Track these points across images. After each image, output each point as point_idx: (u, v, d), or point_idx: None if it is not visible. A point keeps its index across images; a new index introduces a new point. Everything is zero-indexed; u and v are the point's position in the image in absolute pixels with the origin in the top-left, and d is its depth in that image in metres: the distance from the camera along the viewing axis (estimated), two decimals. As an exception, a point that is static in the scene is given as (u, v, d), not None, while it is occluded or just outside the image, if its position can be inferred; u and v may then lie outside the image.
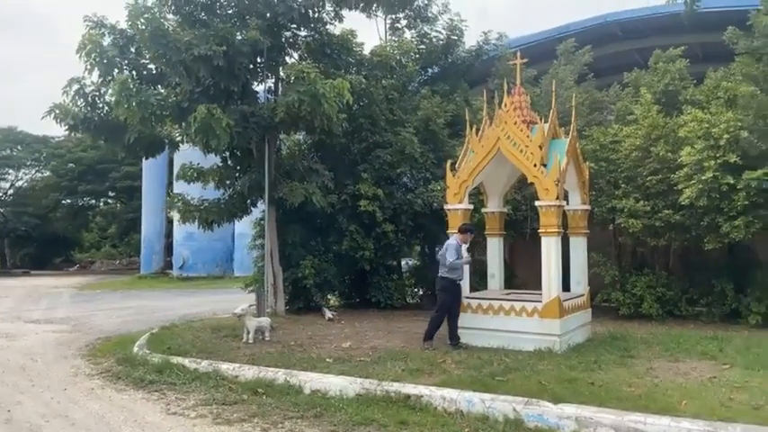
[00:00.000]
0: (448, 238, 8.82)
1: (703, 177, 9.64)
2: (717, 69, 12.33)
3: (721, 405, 5.48)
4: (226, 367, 7.77)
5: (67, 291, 24.16)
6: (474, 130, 9.07)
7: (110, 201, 45.40)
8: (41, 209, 39.51)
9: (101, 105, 11.19)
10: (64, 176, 39.43)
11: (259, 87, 11.96)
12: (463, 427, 5.46)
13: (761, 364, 7.00)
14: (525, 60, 9.62)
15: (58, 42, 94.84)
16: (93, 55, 10.05)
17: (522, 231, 11.93)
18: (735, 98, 10.59)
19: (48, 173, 41.63)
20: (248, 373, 7.47)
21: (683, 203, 10.05)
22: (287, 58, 12.16)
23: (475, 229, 9.15)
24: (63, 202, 41.75)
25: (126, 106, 9.66)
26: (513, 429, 5.40)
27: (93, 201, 44.41)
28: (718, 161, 9.59)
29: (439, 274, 8.64)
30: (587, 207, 9.57)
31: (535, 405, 5.61)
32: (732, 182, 9.50)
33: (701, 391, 5.97)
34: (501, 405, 5.71)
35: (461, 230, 8.70)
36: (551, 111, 8.81)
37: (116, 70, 10.50)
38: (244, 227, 19.77)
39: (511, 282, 11.26)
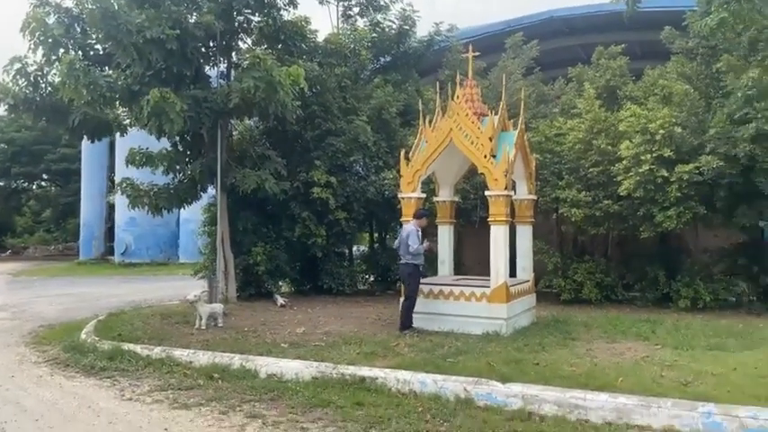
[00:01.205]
0: (401, 226, 9.02)
1: (640, 170, 10.19)
2: (654, 67, 13.00)
3: (653, 382, 5.92)
4: (179, 353, 7.76)
5: (2, 277, 23.16)
6: (427, 120, 9.29)
7: (44, 184, 43.46)
8: (-30, 191, 37.51)
9: (43, 85, 10.79)
10: (-5, 157, 37.49)
11: (211, 72, 11.79)
12: (417, 407, 5.69)
13: (689, 344, 7.56)
14: (477, 54, 9.88)
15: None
16: (37, 33, 9.69)
17: (470, 219, 12.29)
18: (670, 95, 11.21)
19: (-24, 153, 39.44)
20: (203, 358, 7.49)
21: (621, 194, 10.60)
22: (240, 43, 12.06)
23: (430, 214, 9.37)
24: (-7, 184, 39.74)
25: (73, 87, 9.38)
26: (463, 408, 5.66)
27: (27, 183, 42.42)
28: (654, 155, 10.16)
29: (402, 261, 8.78)
30: (533, 197, 9.99)
31: (484, 384, 5.91)
32: (666, 175, 10.09)
33: (635, 370, 6.41)
34: (452, 385, 5.99)
35: (417, 216, 8.93)
36: (501, 104, 9.12)
37: (61, 50, 10.15)
38: (190, 212, 19.43)
39: (458, 268, 11.60)
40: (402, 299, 8.81)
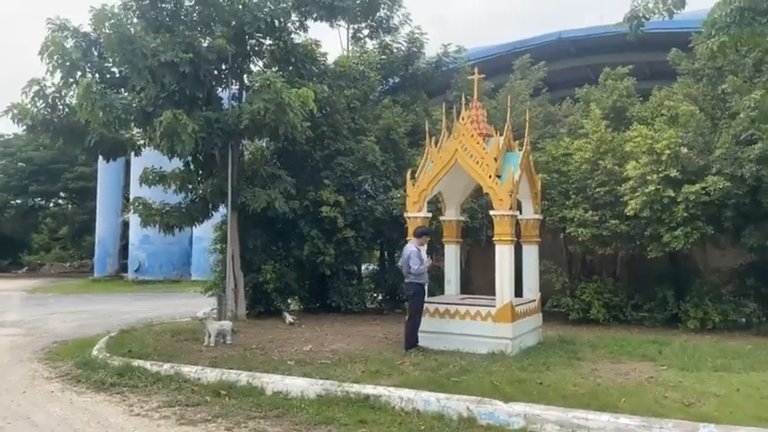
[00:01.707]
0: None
1: (647, 190, 10.24)
2: (662, 88, 13.10)
3: (656, 402, 5.93)
4: (188, 370, 7.88)
5: (18, 294, 23.50)
6: (433, 141, 9.43)
7: (61, 202, 44.17)
8: (-12, 209, 38.18)
9: (61, 107, 11.10)
10: (13, 176, 38.16)
11: (223, 93, 12.06)
12: (420, 425, 5.75)
13: (695, 366, 7.55)
14: (483, 76, 10.04)
15: (1, 40, 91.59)
16: (55, 57, 10.00)
17: (478, 239, 12.37)
18: (676, 116, 11.28)
19: (-5, 172, 40.23)
20: (210, 375, 7.60)
21: (628, 214, 10.64)
22: (252, 66, 12.34)
23: (430, 231, 9.46)
24: (12, 202, 40.37)
25: (89, 109, 9.65)
26: (466, 427, 5.71)
27: (44, 201, 43.12)
28: (660, 175, 10.21)
29: (406, 281, 8.89)
30: (539, 216, 10.05)
31: (487, 404, 5.96)
32: (672, 195, 10.13)
33: (639, 390, 6.43)
34: (455, 404, 6.04)
35: (417, 234, 9.02)
36: (506, 125, 9.25)
37: (79, 73, 10.46)
38: (202, 230, 19.66)
39: (467, 287, 11.66)
40: (407, 318, 8.88)
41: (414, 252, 8.77)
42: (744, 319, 10.87)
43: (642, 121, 12.04)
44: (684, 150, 10.36)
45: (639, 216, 10.52)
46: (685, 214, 10.09)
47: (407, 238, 9.39)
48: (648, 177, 10.28)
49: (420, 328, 8.81)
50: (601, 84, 13.93)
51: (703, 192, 10.03)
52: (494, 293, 8.71)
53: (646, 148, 10.54)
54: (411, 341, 8.68)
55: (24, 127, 11.30)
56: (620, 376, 7.12)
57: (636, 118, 12.40)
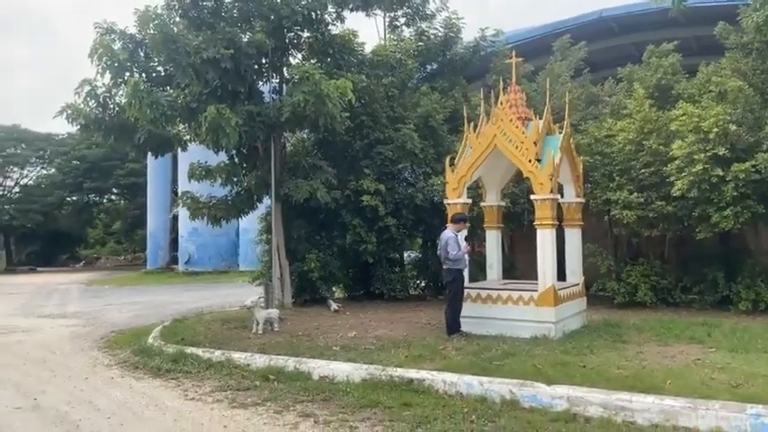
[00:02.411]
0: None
1: (694, 170, 9.97)
2: (709, 63, 12.66)
3: (703, 384, 5.85)
4: (238, 356, 8.18)
5: (76, 287, 24.64)
6: (471, 126, 9.43)
7: (114, 198, 45.85)
8: (46, 206, 39.97)
9: (112, 106, 11.56)
10: (68, 174, 39.88)
11: (264, 87, 12.32)
12: (462, 408, 5.84)
13: (744, 347, 7.38)
14: (522, 59, 9.95)
15: (50, 41, 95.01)
16: (104, 59, 10.42)
17: (520, 223, 12.30)
18: (725, 92, 10.91)
19: (52, 170, 42.08)
20: (259, 361, 7.87)
21: (674, 195, 10.38)
22: (291, 59, 12.53)
23: (467, 217, 9.48)
24: (68, 199, 42.20)
25: (138, 107, 10.04)
26: (508, 409, 5.77)
27: (98, 198, 44.89)
28: (708, 154, 9.92)
29: (444, 267, 8.96)
30: (581, 200, 9.94)
31: (530, 386, 6.00)
32: (721, 174, 9.83)
33: (685, 372, 6.34)
34: (498, 387, 6.10)
35: (454, 220, 9.05)
36: (545, 108, 9.16)
37: (127, 73, 10.87)
38: (248, 222, 20.18)
39: (511, 272, 11.66)
40: (446, 304, 8.96)
41: (451, 238, 8.82)
42: (798, 301, 10.49)
43: (689, 98, 11.67)
44: (733, 127, 10.03)
45: (687, 196, 10.25)
46: (735, 193, 9.79)
47: (447, 224, 9.44)
48: (696, 156, 10.00)
49: (462, 314, 8.88)
50: (645, 62, 13.55)
51: (753, 170, 9.71)
52: (537, 278, 8.69)
53: (692, 126, 10.25)
54: (453, 327, 8.76)
55: (78, 126, 11.80)
56: (666, 359, 7.04)
57: (682, 96, 12.04)
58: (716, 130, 9.93)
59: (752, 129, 10.31)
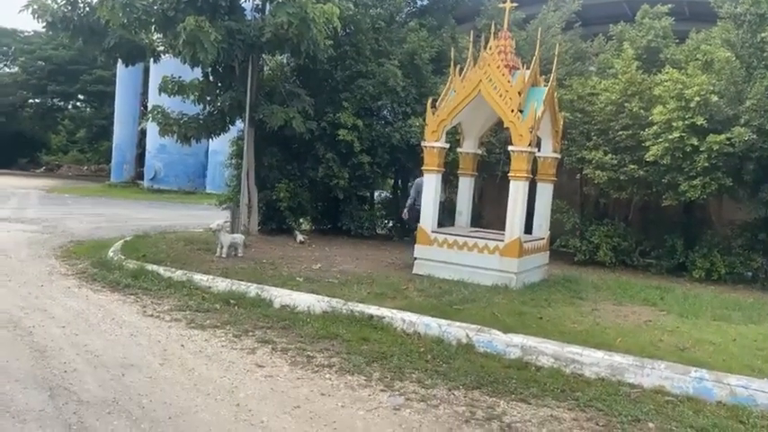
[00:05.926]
0: (422, 174, 9.14)
1: (670, 137, 10.01)
2: (700, 31, 12.54)
3: (651, 345, 6.06)
4: (199, 278, 8.13)
5: (35, 192, 24.03)
6: (457, 69, 9.21)
7: (79, 104, 44.23)
8: (7, 106, 38.39)
9: (82, 5, 10.89)
10: (33, 74, 38.16)
11: (246, 4, 11.72)
12: (419, 347, 5.95)
13: (694, 314, 7.64)
14: (515, 5, 9.67)
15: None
16: (76, -49, 9.72)
17: (493, 173, 12.29)
18: (711, 62, 10.86)
19: (16, 69, 40.16)
20: (221, 284, 7.84)
21: (647, 160, 10.47)
22: (276, -24, 11.90)
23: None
24: (30, 101, 40.57)
25: (110, 8, 9.48)
26: (464, 352, 5.89)
27: (63, 102, 43.25)
28: (686, 122, 9.95)
29: (417, 206, 9.27)
30: (558, 155, 9.94)
31: (486, 332, 6.13)
32: (696, 143, 9.91)
33: (636, 332, 6.56)
34: (455, 330, 6.23)
35: None
36: (534, 59, 8.99)
37: (100, -30, 10.18)
38: (218, 144, 19.76)
39: (478, 222, 11.71)
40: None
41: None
42: (750, 273, 10.85)
43: (675, 64, 11.61)
44: (714, 98, 10.03)
45: (659, 162, 10.34)
46: (706, 164, 9.90)
47: (422, 168, 9.38)
48: (674, 124, 10.03)
49: (426, 257, 8.97)
50: (637, 22, 13.33)
51: (728, 142, 9.81)
52: (503, 229, 8.76)
53: (675, 93, 10.23)
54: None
55: (44, 24, 11.11)
56: (619, 318, 7.25)
57: (669, 61, 11.95)
58: (697, 99, 9.92)
59: (732, 101, 10.35)
